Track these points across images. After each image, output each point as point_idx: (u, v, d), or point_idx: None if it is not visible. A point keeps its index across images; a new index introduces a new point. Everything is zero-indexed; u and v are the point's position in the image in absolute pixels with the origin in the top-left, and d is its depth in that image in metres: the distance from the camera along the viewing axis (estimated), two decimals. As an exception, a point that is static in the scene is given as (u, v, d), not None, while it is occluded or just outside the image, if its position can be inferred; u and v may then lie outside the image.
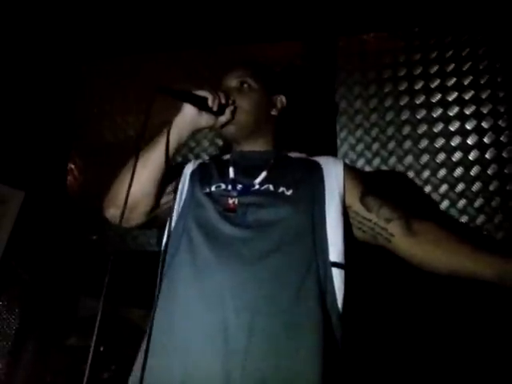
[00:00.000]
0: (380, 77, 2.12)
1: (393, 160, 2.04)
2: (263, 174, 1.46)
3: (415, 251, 1.35)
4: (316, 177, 1.46)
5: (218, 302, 1.24)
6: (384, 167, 2.05)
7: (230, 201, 1.39)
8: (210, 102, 1.40)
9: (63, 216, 2.45)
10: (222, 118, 1.46)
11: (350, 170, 1.51)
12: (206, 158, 2.16)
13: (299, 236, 1.33)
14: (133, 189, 1.29)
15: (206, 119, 1.44)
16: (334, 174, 1.46)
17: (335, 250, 1.34)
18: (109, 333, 2.20)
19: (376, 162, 2.06)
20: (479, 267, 1.26)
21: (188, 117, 1.42)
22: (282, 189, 1.41)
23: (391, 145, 2.05)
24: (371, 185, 1.49)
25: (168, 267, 1.36)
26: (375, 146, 2.07)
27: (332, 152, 2.07)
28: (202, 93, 1.40)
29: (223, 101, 1.43)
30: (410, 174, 2.01)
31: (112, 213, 1.46)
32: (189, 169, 1.56)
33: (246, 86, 1.54)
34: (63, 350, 2.21)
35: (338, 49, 2.19)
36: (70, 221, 2.44)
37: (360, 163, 2.08)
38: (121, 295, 2.24)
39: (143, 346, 1.30)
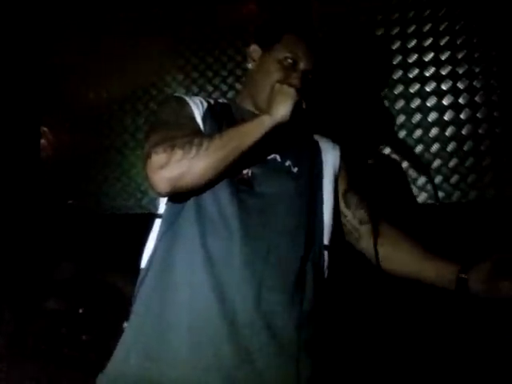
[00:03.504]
0: (357, 36, 2.10)
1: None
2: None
3: (378, 252, 1.40)
4: (317, 158, 1.48)
5: (225, 271, 1.24)
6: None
7: (245, 171, 1.35)
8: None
9: (38, 179, 2.42)
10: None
11: (344, 157, 1.53)
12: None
13: (300, 216, 1.36)
14: (210, 175, 1.26)
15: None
16: (331, 158, 1.49)
17: (327, 234, 1.39)
18: (88, 296, 2.21)
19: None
20: (429, 274, 1.34)
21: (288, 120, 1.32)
22: (288, 162, 1.41)
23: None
24: (355, 178, 1.51)
25: (164, 234, 1.33)
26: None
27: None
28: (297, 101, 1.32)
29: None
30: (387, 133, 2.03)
31: (174, 189, 1.28)
32: (198, 109, 1.43)
33: (310, 77, 1.46)
34: (43, 314, 2.21)
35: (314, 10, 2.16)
36: (45, 184, 2.42)
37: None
38: (99, 258, 2.25)
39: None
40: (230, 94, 2.26)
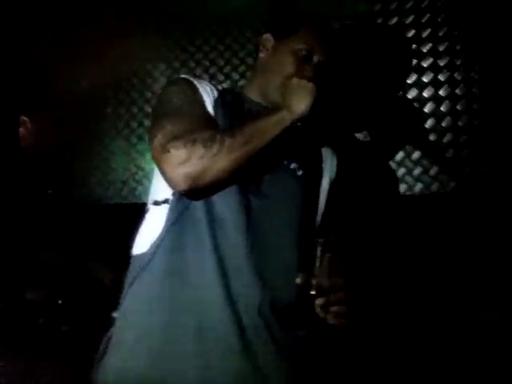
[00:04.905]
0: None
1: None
2: None
3: None
4: (319, 164, 1.46)
5: (234, 275, 1.22)
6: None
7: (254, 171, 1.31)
8: None
9: (18, 169, 2.39)
10: None
11: (339, 168, 1.51)
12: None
13: (304, 219, 1.35)
14: (231, 173, 1.22)
15: None
16: (330, 168, 1.47)
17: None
18: (68, 286, 2.20)
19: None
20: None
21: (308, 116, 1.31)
22: (293, 165, 1.38)
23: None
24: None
25: (173, 225, 1.28)
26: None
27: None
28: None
29: None
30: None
31: (193, 187, 1.23)
32: (209, 96, 1.37)
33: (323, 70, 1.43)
34: (21, 305, 2.20)
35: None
36: (25, 174, 2.39)
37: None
38: (79, 248, 2.23)
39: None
40: (241, 83, 2.23)
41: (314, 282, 1.15)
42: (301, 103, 1.26)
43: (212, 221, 1.25)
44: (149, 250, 1.27)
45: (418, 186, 1.97)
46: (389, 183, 2.00)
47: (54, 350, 2.08)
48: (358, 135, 1.96)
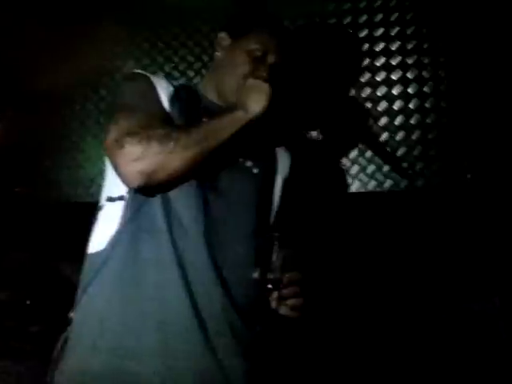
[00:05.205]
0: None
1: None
2: None
3: None
4: (273, 164, 1.48)
5: (193, 270, 1.23)
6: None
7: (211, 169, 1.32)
8: None
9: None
10: None
11: (292, 168, 1.54)
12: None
13: (259, 216, 1.36)
14: (186, 171, 1.22)
15: None
16: (283, 166, 1.50)
17: None
18: (36, 286, 2.17)
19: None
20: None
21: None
22: (249, 163, 1.39)
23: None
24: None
25: (129, 221, 1.27)
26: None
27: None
28: None
29: None
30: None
31: (147, 184, 1.21)
32: (164, 92, 1.36)
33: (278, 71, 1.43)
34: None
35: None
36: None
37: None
38: (47, 247, 2.20)
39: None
40: (196, 80, 2.21)
41: (270, 276, 1.19)
42: (256, 103, 1.27)
43: (169, 217, 1.25)
44: (106, 247, 1.27)
45: (372, 184, 2.00)
46: (338, 181, 2.03)
47: (22, 351, 2.05)
48: (311, 134, 1.98)
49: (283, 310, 1.24)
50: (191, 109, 1.38)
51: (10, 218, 2.28)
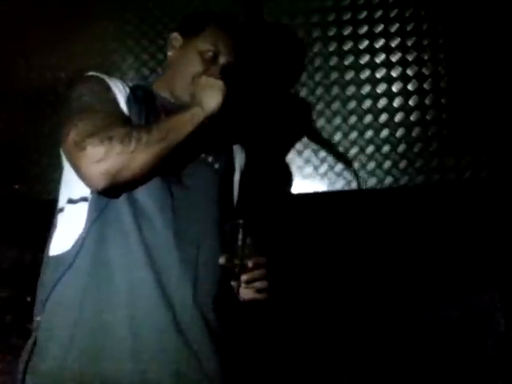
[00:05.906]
0: (308, 21, 2.10)
1: (320, 106, 2.06)
2: None
3: None
4: (231, 159, 1.54)
5: (164, 267, 1.25)
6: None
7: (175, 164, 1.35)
8: None
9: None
10: None
11: (247, 163, 1.60)
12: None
13: (222, 209, 1.40)
14: (149, 169, 1.25)
15: None
16: (239, 161, 1.56)
17: None
18: (34, 282, 2.16)
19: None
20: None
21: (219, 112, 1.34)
22: (210, 158, 1.43)
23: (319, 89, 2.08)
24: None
25: (94, 222, 1.27)
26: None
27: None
28: None
29: None
30: (337, 120, 2.04)
31: (111, 185, 1.23)
32: (121, 94, 1.37)
33: (230, 71, 1.45)
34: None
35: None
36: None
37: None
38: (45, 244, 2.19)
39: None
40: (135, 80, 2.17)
41: (236, 261, 1.22)
42: (212, 100, 1.31)
43: (136, 214, 1.26)
44: (72, 248, 1.26)
45: (387, 164, 2.00)
46: (283, 179, 2.06)
47: (23, 348, 2.05)
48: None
49: (250, 293, 1.29)
50: (149, 108, 1.40)
51: (9, 214, 2.27)
